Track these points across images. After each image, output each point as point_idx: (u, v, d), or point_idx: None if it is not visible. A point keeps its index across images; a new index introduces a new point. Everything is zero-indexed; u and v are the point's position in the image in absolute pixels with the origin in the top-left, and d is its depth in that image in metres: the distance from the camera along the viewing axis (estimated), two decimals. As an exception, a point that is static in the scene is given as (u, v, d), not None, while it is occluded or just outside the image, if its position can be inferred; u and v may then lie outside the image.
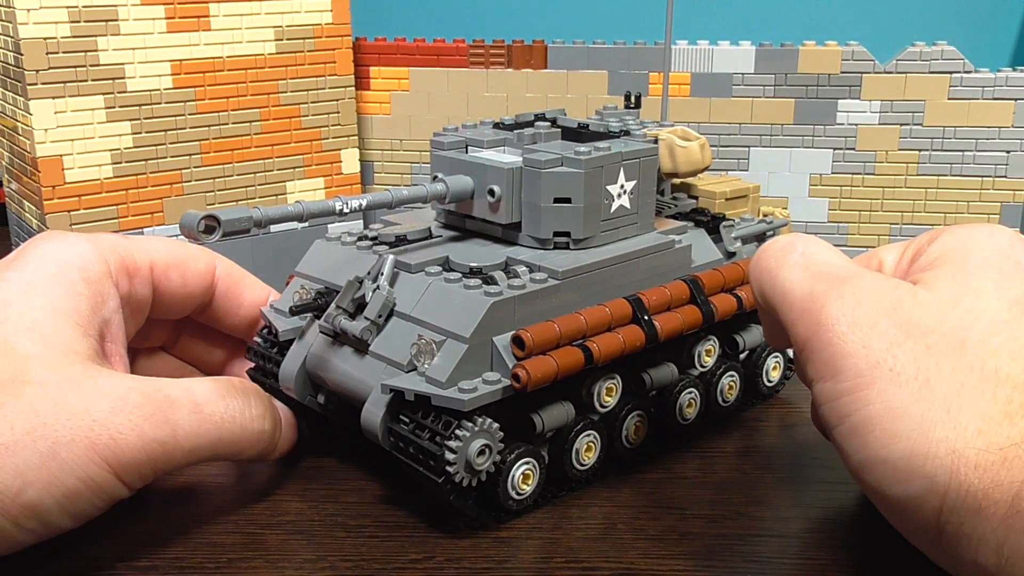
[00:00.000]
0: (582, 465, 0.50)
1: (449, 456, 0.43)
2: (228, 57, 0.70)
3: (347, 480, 0.51)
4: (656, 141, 0.54)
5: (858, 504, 0.50)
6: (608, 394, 0.50)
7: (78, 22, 0.64)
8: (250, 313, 0.55)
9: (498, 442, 0.45)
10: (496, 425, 0.45)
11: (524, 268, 0.49)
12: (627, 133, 0.55)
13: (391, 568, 0.44)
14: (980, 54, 0.75)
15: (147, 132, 0.68)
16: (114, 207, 0.68)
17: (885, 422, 0.37)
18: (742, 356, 0.58)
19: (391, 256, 0.49)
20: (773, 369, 0.60)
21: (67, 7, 0.63)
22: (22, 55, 0.63)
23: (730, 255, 0.56)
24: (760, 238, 0.58)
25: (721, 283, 0.53)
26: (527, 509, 0.48)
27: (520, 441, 0.47)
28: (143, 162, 0.68)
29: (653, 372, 0.52)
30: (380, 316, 0.47)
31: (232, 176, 0.72)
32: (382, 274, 0.48)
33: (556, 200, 0.50)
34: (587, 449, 0.50)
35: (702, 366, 0.55)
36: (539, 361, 0.45)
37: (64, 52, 0.64)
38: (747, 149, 0.77)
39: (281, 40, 0.72)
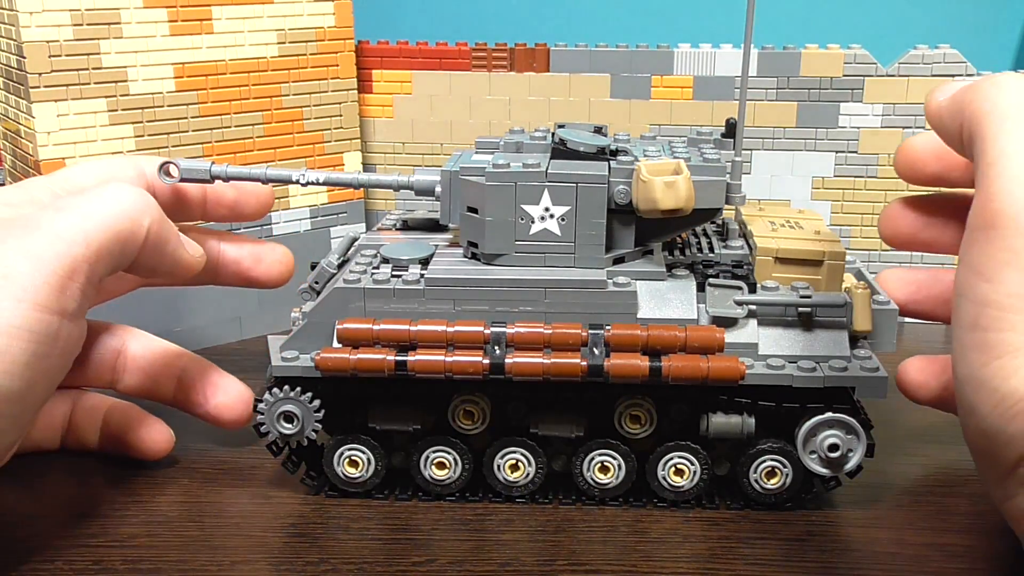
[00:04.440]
0: (435, 480, 0.50)
1: (260, 411, 0.48)
2: (231, 60, 0.70)
3: (349, 483, 0.51)
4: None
5: (859, 504, 0.49)
6: (466, 417, 0.49)
7: (80, 25, 0.64)
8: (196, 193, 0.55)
9: (312, 415, 0.48)
10: (310, 398, 0.48)
11: (418, 267, 0.50)
12: (615, 154, 0.50)
13: (393, 571, 0.44)
14: (982, 57, 0.75)
15: (149, 135, 0.68)
16: (117, 210, 0.68)
17: (1014, 355, 0.35)
18: (710, 441, 0.49)
19: (351, 234, 0.56)
20: (768, 476, 0.49)
21: (69, 10, 0.64)
22: (24, 58, 0.63)
23: (718, 320, 0.48)
24: (794, 313, 0.48)
25: (637, 342, 0.46)
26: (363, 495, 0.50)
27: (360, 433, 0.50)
28: (146, 165, 0.68)
29: (544, 418, 0.49)
30: (316, 283, 0.52)
31: (234, 179, 0.73)
32: (332, 250, 0.55)
33: (469, 209, 0.50)
34: (439, 465, 0.50)
35: (628, 433, 0.49)
36: (341, 352, 0.47)
37: (67, 55, 0.64)
38: (750, 152, 0.76)
39: (284, 43, 0.72)
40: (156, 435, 0.53)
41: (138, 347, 0.54)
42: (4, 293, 0.40)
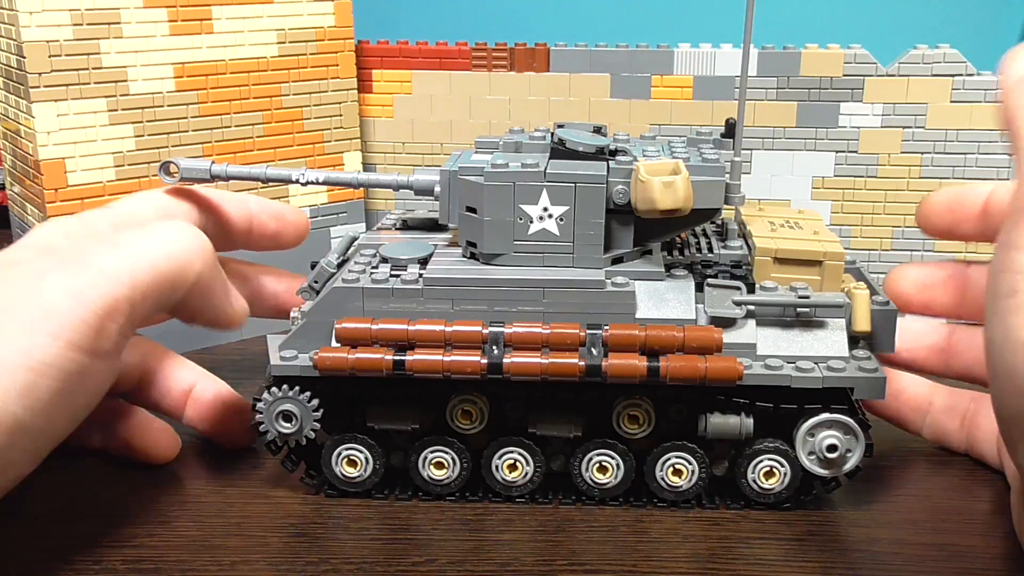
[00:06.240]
0: (433, 480, 0.50)
1: (258, 410, 0.48)
2: (231, 60, 0.70)
3: (349, 483, 0.51)
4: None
5: (859, 504, 0.49)
6: (464, 417, 0.49)
7: (80, 25, 0.64)
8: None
9: (311, 414, 0.48)
10: (308, 398, 0.48)
11: (417, 267, 0.49)
12: (614, 154, 0.50)
13: (393, 570, 0.44)
14: (982, 57, 0.75)
15: (149, 135, 0.68)
16: (117, 210, 0.68)
17: None
18: (710, 440, 0.49)
19: (351, 234, 0.56)
20: (766, 475, 0.49)
21: (69, 10, 0.64)
22: (24, 58, 0.63)
23: (717, 321, 0.48)
24: (792, 313, 0.48)
25: (635, 342, 0.46)
26: (361, 494, 0.50)
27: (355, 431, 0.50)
28: (145, 165, 0.68)
29: (542, 418, 0.49)
30: (316, 283, 0.52)
31: (234, 179, 0.72)
32: (332, 249, 0.54)
33: (468, 208, 0.50)
34: (438, 465, 0.50)
35: (626, 433, 0.49)
36: (339, 351, 0.47)
37: (66, 55, 0.64)
38: (750, 152, 0.76)
39: (284, 43, 0.72)
40: (162, 440, 0.53)
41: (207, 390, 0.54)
42: (40, 328, 0.39)
